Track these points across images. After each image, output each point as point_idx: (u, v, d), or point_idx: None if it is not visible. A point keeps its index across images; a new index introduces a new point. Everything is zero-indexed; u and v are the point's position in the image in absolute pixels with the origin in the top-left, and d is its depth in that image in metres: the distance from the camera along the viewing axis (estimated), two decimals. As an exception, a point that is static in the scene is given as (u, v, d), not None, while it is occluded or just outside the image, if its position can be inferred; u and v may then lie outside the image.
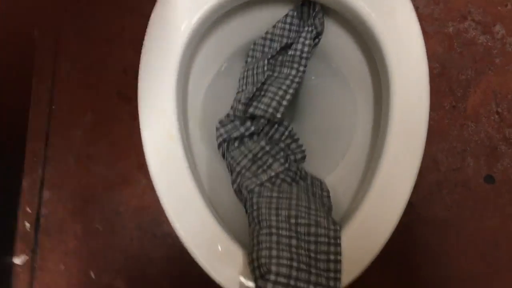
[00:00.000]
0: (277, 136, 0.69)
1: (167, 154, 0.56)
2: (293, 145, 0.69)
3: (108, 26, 0.91)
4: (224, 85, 0.74)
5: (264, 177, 0.63)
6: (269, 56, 0.69)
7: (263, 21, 0.72)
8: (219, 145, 0.67)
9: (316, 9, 0.68)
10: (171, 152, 0.56)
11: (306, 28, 0.68)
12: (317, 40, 0.70)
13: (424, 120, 0.56)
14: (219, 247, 0.54)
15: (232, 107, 0.68)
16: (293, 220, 0.57)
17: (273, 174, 0.64)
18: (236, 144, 0.67)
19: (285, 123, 0.69)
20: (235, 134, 0.66)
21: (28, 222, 0.88)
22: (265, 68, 0.68)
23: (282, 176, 0.64)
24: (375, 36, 0.59)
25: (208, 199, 0.58)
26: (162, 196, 0.55)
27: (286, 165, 0.65)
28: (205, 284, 0.58)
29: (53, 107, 0.91)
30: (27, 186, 0.89)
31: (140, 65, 0.60)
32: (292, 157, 0.68)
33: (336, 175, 0.68)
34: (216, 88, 0.73)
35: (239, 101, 0.66)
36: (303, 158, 0.69)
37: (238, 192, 0.65)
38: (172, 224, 0.54)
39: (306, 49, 0.68)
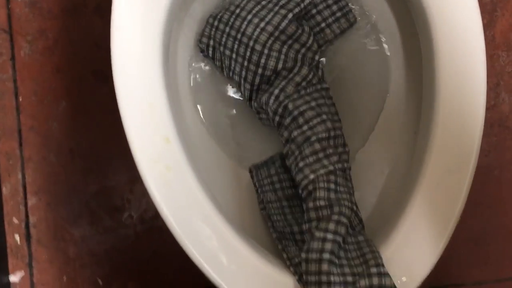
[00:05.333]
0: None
1: (167, 165, 0.44)
2: None
3: (66, -7, 0.77)
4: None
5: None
6: None
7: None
8: None
9: None
10: (172, 161, 0.44)
11: None
12: None
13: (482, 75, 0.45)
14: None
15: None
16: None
17: None
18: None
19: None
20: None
21: (18, 234, 0.78)
22: None
23: None
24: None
25: (225, 214, 0.47)
26: (166, 215, 0.45)
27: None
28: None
29: (20, 99, 0.78)
30: (8, 194, 0.78)
31: (111, 44, 0.47)
32: None
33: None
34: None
35: None
36: None
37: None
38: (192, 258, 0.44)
39: None
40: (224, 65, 0.59)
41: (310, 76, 0.56)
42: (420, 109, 0.50)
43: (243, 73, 0.57)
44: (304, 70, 0.56)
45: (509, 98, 0.76)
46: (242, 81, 0.58)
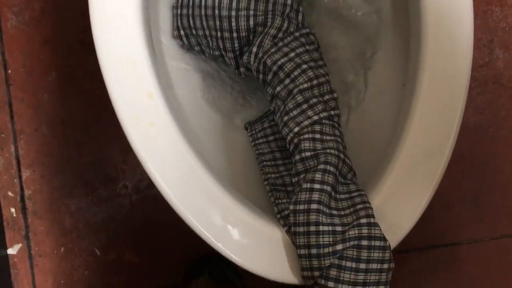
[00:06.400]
0: None
1: (150, 121, 0.44)
2: None
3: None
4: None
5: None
6: None
7: None
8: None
9: None
10: (155, 117, 0.44)
11: None
12: None
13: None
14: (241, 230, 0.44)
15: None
16: None
17: None
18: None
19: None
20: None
21: (13, 207, 0.78)
22: None
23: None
24: None
25: (212, 169, 0.47)
26: (152, 171, 0.45)
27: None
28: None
29: (9, 71, 0.77)
30: (2, 168, 0.78)
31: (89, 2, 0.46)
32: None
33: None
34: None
35: None
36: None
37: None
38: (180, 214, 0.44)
39: None
40: (203, 47, 0.59)
41: (286, 25, 0.54)
42: (407, 63, 0.50)
43: (221, 44, 0.56)
44: (278, 21, 0.54)
45: (503, 55, 0.75)
46: (224, 53, 0.57)
